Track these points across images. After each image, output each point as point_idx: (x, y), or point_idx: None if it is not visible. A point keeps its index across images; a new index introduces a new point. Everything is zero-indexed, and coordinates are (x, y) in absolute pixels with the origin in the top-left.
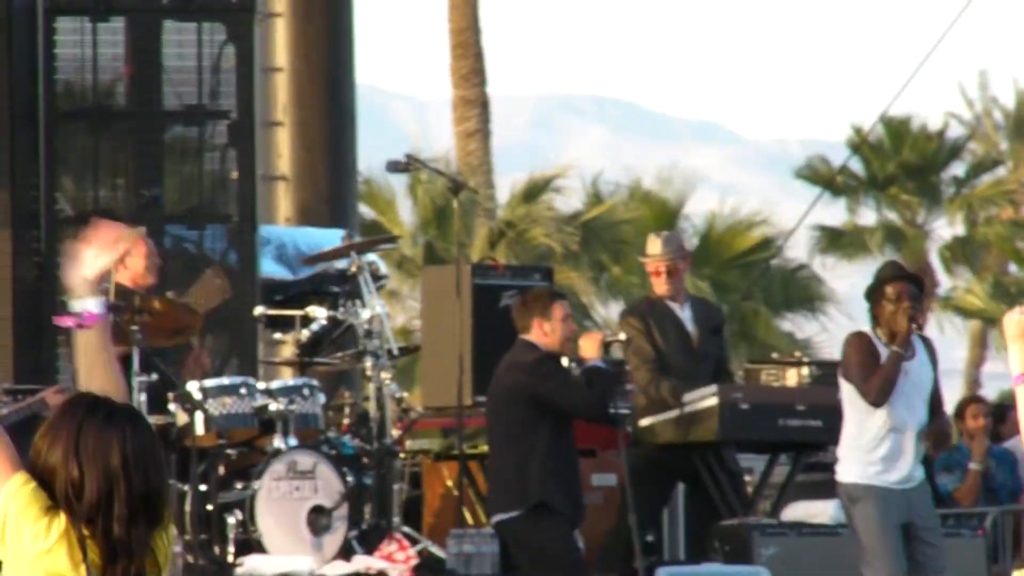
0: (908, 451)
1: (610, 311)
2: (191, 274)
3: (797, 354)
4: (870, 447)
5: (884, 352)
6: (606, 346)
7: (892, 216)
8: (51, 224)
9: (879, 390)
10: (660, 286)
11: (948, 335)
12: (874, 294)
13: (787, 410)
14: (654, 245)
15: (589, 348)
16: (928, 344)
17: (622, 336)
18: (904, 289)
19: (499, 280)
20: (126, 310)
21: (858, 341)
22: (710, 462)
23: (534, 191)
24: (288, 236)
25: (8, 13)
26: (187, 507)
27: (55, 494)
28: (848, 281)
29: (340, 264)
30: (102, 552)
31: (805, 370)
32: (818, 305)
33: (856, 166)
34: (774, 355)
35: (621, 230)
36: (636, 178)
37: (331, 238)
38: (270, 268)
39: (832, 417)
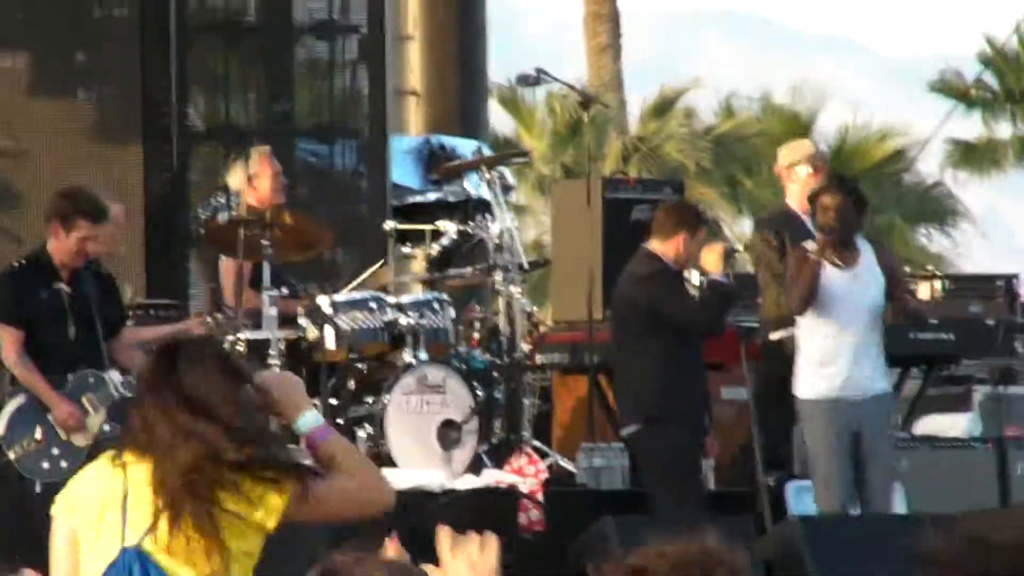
0: (853, 360)
1: (743, 227)
2: (321, 189)
3: (930, 268)
4: (815, 360)
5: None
6: (727, 257)
7: None
8: (182, 139)
9: (797, 298)
10: (810, 186)
11: None
12: (811, 205)
13: (919, 324)
14: (800, 149)
15: (711, 260)
16: (878, 248)
17: (739, 246)
18: (831, 201)
19: (630, 194)
20: (256, 225)
21: (795, 254)
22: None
23: (665, 106)
24: (422, 145)
25: None
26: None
27: None
28: (981, 196)
29: (471, 178)
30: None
31: (938, 284)
32: (951, 220)
33: (990, 80)
34: (907, 269)
35: (753, 144)
36: (767, 93)
37: (464, 148)
38: (402, 181)
39: (965, 331)
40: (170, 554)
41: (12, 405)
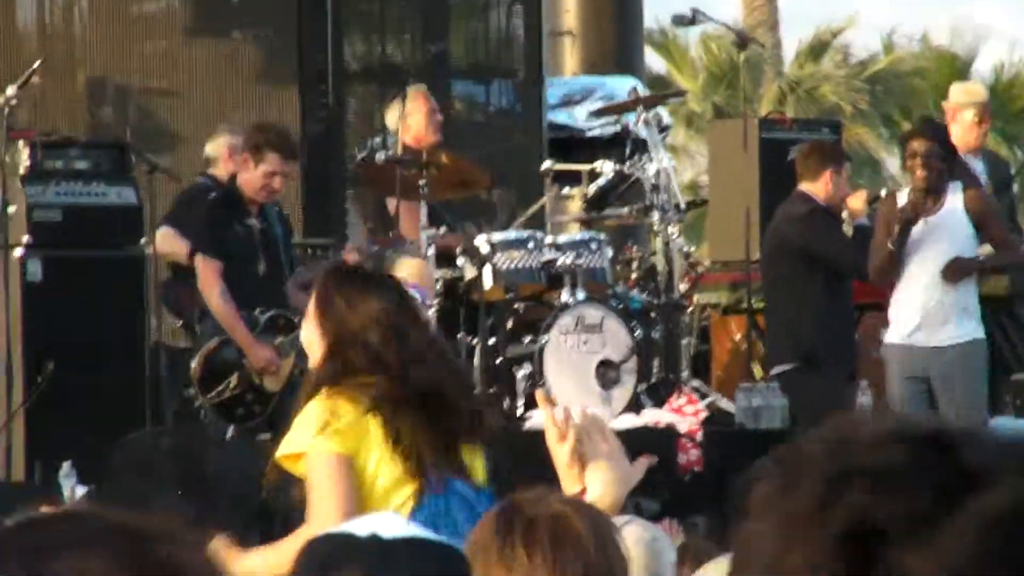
0: (922, 307)
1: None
2: (477, 129)
3: None
4: (896, 307)
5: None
6: (871, 202)
7: None
8: (338, 80)
9: (876, 267)
10: (971, 133)
11: None
12: (901, 148)
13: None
14: (972, 94)
15: (856, 205)
16: (969, 193)
17: (882, 192)
18: (919, 147)
19: (786, 134)
20: (413, 165)
21: (885, 204)
22: (1000, 316)
23: (820, 47)
24: (578, 84)
25: None
26: (476, 361)
27: None
28: None
29: (627, 118)
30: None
31: None
32: None
33: None
34: None
35: (911, 84)
36: (925, 32)
37: (621, 87)
38: (558, 120)
39: None
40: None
41: (207, 347)
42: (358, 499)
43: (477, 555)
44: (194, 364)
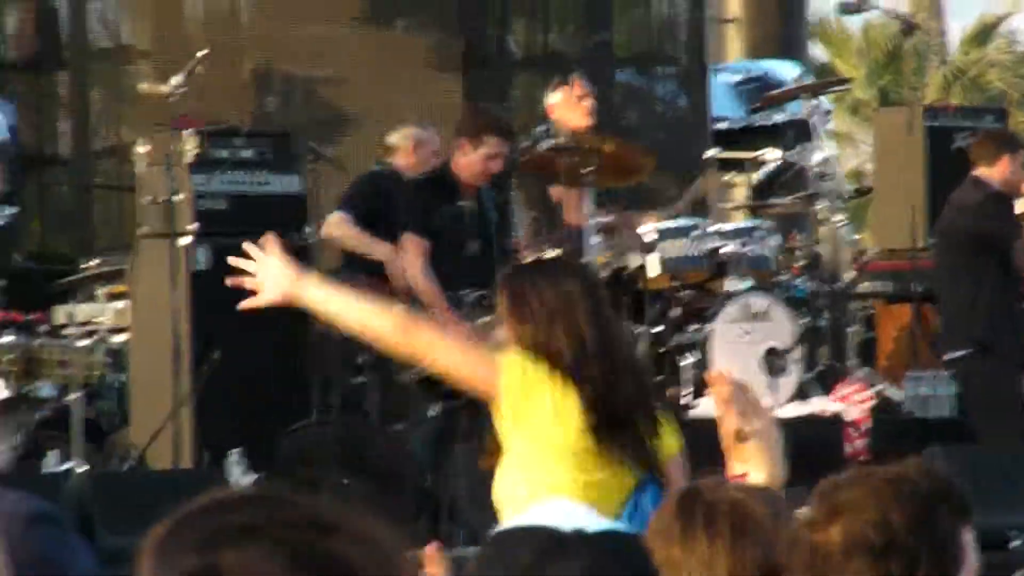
0: None
1: None
2: (640, 117)
3: None
4: None
5: None
6: None
7: None
8: (502, 67)
9: None
10: None
11: None
12: None
13: None
14: None
15: None
16: None
17: None
18: None
19: (952, 122)
20: (576, 152)
21: None
22: None
23: (985, 33)
24: (742, 69)
25: None
26: (642, 348)
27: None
28: None
29: (792, 106)
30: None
31: None
32: None
33: None
34: None
35: None
36: None
37: (786, 72)
38: (722, 109)
39: None
40: None
41: None
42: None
43: (657, 539)
44: None
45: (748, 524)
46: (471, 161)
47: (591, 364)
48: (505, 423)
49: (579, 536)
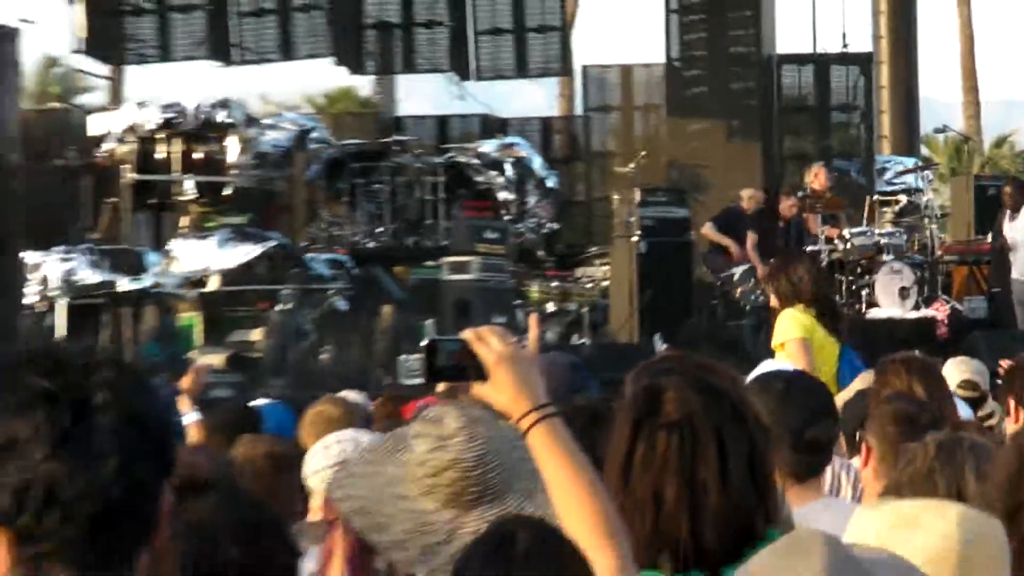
0: None
1: None
2: (839, 190)
3: None
4: None
5: None
6: None
7: None
8: (787, 158)
9: None
10: None
11: None
12: None
13: None
14: None
15: None
16: None
17: None
18: None
19: (985, 183)
20: (818, 200)
21: None
22: None
23: (1001, 141)
24: (890, 159)
25: None
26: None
27: None
28: None
29: (908, 177)
30: None
31: None
32: None
33: None
34: None
35: None
36: None
37: (909, 160)
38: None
39: None
40: None
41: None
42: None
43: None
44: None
45: None
46: (785, 205)
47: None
48: None
49: None
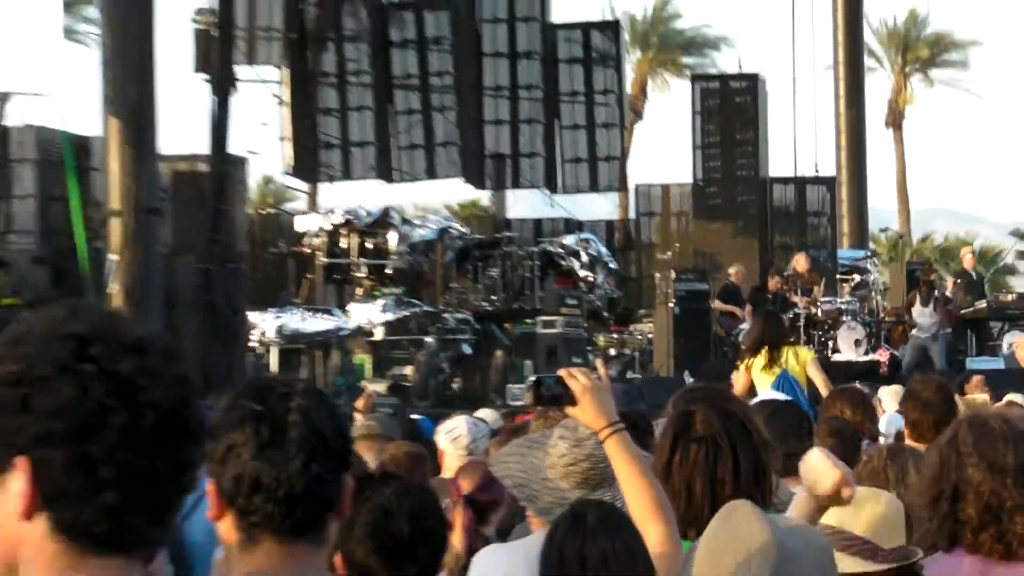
0: None
1: None
2: (813, 265)
3: None
4: None
5: None
6: None
7: None
8: (775, 252)
9: None
10: None
11: None
12: None
13: None
14: None
15: None
16: None
17: None
18: None
19: (917, 268)
20: (798, 278)
21: None
22: None
23: (926, 237)
24: (849, 254)
25: None
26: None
27: None
28: None
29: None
30: None
31: None
32: None
33: None
34: None
35: None
36: None
37: (859, 252)
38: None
39: None
40: None
41: None
42: None
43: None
44: None
45: None
46: (771, 283)
47: None
48: None
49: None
